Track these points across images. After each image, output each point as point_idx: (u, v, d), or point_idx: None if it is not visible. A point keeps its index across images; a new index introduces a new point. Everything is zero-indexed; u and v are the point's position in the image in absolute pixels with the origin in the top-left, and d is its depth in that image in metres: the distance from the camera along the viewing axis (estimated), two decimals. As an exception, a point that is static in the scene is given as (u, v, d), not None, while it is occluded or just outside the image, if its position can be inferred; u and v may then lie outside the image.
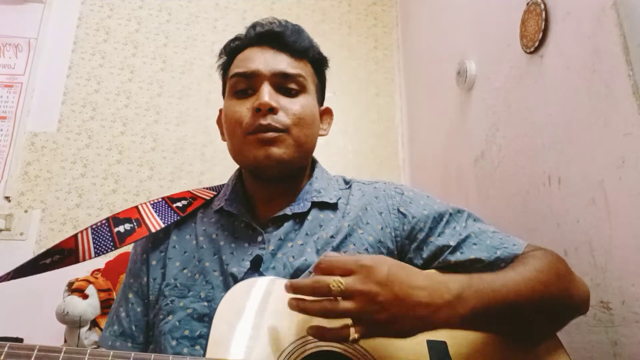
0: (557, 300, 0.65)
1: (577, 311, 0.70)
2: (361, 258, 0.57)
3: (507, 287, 0.61)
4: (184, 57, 2.13)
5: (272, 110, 0.73)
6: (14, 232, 1.79)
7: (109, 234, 0.73)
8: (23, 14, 2.05)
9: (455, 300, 0.57)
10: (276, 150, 0.72)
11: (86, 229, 0.73)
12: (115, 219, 0.76)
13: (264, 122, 0.72)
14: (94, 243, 0.72)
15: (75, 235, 0.72)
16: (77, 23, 2.10)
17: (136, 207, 0.79)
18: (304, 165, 0.81)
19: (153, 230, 0.76)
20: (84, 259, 0.71)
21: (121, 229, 0.74)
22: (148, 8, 2.18)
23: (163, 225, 0.77)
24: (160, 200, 0.81)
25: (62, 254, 0.70)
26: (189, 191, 0.85)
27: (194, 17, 2.21)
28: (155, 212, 0.79)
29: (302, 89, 0.78)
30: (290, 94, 0.77)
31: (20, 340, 1.57)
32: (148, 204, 0.80)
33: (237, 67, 0.78)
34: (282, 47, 0.79)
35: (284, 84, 0.76)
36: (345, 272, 0.55)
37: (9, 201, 1.82)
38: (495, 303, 0.59)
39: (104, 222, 0.75)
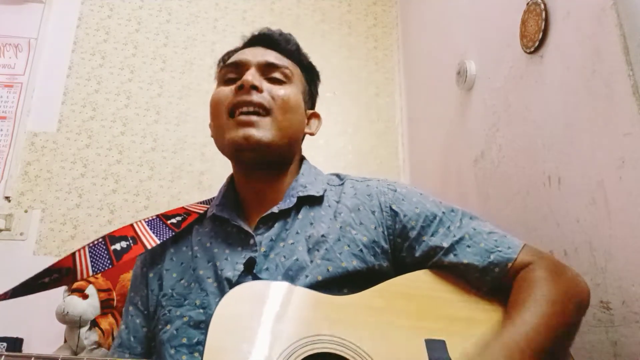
0: (574, 320, 0.65)
1: (585, 312, 0.69)
2: None
3: (530, 339, 0.59)
4: (184, 57, 2.13)
5: (256, 89, 0.75)
6: (14, 232, 1.79)
7: (105, 252, 0.74)
8: (23, 14, 2.05)
9: None
10: (255, 132, 0.73)
11: (83, 248, 0.74)
12: (112, 237, 0.77)
13: (246, 97, 0.74)
14: (91, 261, 0.73)
15: (73, 254, 0.72)
16: (77, 23, 2.09)
17: (131, 225, 0.80)
18: (287, 156, 0.81)
19: (149, 247, 0.77)
20: (82, 277, 0.72)
21: (117, 246, 0.75)
22: (148, 8, 2.18)
23: (159, 242, 0.78)
24: (154, 217, 0.82)
25: (60, 273, 0.71)
26: (182, 207, 0.86)
27: (194, 17, 2.20)
28: (151, 229, 0.80)
29: (287, 80, 0.80)
30: (276, 83, 0.79)
31: (20, 340, 1.57)
32: (143, 221, 0.81)
33: (229, 61, 0.83)
34: (271, 45, 0.83)
35: (270, 73, 0.79)
36: None
37: (9, 201, 1.82)
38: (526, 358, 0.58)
39: (100, 240, 0.76)
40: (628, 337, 0.77)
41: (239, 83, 0.75)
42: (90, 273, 0.72)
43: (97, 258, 0.73)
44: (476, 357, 0.59)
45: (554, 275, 0.68)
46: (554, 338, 0.61)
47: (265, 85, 0.77)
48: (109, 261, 0.73)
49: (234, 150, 0.76)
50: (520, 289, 0.67)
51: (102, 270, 0.73)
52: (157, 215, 0.83)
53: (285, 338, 0.60)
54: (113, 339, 1.34)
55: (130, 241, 0.77)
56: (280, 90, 0.78)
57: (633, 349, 0.76)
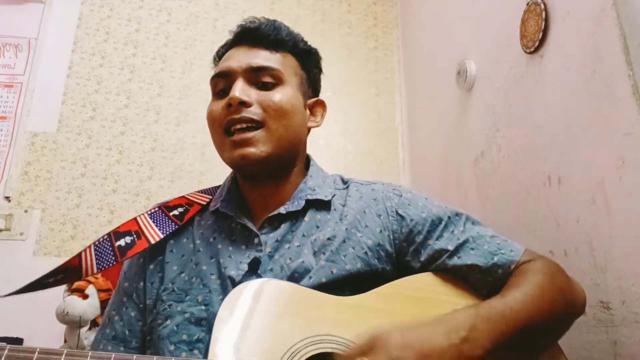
0: (561, 315, 0.67)
1: (576, 317, 0.70)
2: (373, 334, 0.57)
3: (516, 311, 0.62)
4: (184, 57, 2.13)
5: (245, 104, 0.73)
6: (14, 232, 1.79)
7: (110, 249, 0.73)
8: (23, 14, 2.05)
9: (472, 334, 0.58)
10: (252, 150, 0.72)
11: (89, 247, 0.73)
12: (116, 233, 0.76)
13: (236, 115, 0.73)
14: (96, 259, 0.72)
15: (79, 254, 0.72)
16: (77, 23, 2.09)
17: (135, 219, 0.79)
18: (290, 159, 0.80)
19: (152, 242, 0.76)
20: (87, 275, 0.72)
21: (122, 242, 0.75)
22: (148, 8, 2.18)
23: (162, 236, 0.77)
24: (156, 209, 0.81)
25: (65, 273, 0.71)
26: (183, 197, 0.85)
27: (194, 17, 2.21)
28: (154, 222, 0.79)
29: (278, 82, 0.77)
30: (266, 87, 0.76)
31: (20, 340, 1.57)
32: (146, 214, 0.80)
33: (216, 70, 0.81)
34: (257, 42, 0.79)
35: (259, 78, 0.76)
36: (364, 353, 0.56)
37: (9, 201, 1.82)
38: (507, 328, 0.60)
39: (105, 237, 0.75)
40: (628, 337, 0.77)
41: (227, 100, 0.73)
42: (95, 270, 0.71)
43: (102, 255, 0.73)
44: (465, 311, 0.62)
45: (552, 271, 0.69)
46: (535, 319, 0.63)
47: (254, 95, 0.74)
48: (113, 258, 0.73)
49: (235, 168, 0.78)
50: (515, 276, 0.70)
51: (107, 266, 0.72)
52: (159, 207, 0.82)
53: (290, 337, 0.61)
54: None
55: (134, 236, 0.76)
56: (272, 97, 0.75)
57: (633, 349, 0.76)
